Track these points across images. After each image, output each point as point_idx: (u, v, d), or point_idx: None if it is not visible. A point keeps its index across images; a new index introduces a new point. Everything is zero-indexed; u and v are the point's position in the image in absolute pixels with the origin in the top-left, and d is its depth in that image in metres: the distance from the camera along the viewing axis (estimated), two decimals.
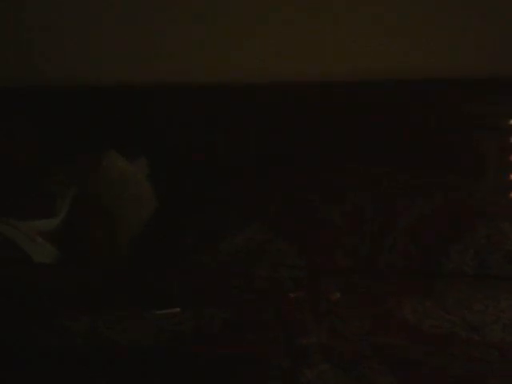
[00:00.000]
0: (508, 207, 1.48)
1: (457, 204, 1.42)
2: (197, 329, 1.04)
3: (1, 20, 1.45)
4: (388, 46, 1.50)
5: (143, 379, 0.92)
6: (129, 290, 1.19)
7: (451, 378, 0.95)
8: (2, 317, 1.04)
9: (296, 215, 1.39)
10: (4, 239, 1.25)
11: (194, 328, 1.04)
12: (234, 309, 1.11)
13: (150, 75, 1.47)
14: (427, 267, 1.33)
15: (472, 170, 1.53)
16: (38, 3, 1.43)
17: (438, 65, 1.51)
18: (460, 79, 1.52)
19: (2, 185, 1.34)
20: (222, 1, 1.46)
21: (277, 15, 1.46)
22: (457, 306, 1.15)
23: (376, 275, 1.31)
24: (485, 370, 0.96)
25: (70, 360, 0.95)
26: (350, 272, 1.31)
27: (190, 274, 1.26)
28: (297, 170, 1.49)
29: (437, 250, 1.33)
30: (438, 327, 1.08)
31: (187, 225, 1.37)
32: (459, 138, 1.53)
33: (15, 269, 1.22)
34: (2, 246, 1.25)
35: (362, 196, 1.43)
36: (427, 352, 1.00)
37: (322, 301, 1.18)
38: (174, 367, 0.95)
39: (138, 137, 1.46)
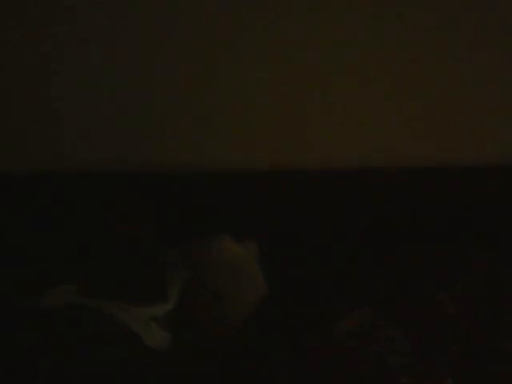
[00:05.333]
0: None
1: None
2: None
3: None
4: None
5: None
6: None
7: None
8: None
9: (410, 301, 1.37)
10: (118, 323, 1.27)
11: None
12: None
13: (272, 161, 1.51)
14: None
15: None
16: None
17: None
18: None
19: (117, 268, 1.37)
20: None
21: None
22: None
23: (491, 358, 1.27)
24: None
25: None
26: (461, 357, 1.27)
27: (304, 357, 1.26)
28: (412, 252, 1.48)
29: None
30: None
31: (298, 308, 1.37)
32: None
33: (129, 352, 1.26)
34: (116, 330, 1.27)
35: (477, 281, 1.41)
36: None
37: None
38: None
39: (250, 220, 1.48)
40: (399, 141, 1.50)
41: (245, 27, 1.41)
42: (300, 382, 1.22)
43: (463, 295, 1.39)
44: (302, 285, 1.42)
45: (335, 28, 1.41)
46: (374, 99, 1.47)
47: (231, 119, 1.48)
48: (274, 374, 1.24)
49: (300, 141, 1.50)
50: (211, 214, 1.48)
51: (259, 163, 1.50)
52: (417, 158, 1.50)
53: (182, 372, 1.24)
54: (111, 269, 1.38)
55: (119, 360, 1.24)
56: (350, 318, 1.34)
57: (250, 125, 1.48)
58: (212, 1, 1.39)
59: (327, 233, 1.52)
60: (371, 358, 1.28)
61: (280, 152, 1.51)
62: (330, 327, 1.33)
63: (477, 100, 1.47)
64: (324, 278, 1.43)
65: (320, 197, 1.51)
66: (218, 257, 1.35)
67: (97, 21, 1.40)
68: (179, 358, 1.26)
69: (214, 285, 1.34)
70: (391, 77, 1.45)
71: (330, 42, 1.42)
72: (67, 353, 1.26)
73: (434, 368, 1.25)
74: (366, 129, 1.49)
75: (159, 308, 1.30)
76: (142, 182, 1.49)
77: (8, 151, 1.49)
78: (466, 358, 1.28)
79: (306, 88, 1.46)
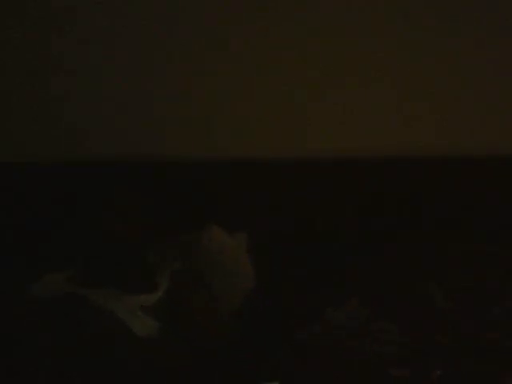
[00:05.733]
0: None
1: None
2: None
3: None
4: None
5: None
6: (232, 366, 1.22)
7: None
8: None
9: (397, 293, 1.37)
10: (105, 312, 1.27)
11: None
12: None
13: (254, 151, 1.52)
14: None
15: None
16: None
17: None
18: None
19: (105, 257, 1.37)
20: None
21: None
22: None
23: (479, 352, 1.26)
24: None
25: None
26: (452, 349, 1.28)
27: (293, 350, 1.26)
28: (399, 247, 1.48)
29: None
30: None
31: (286, 301, 1.37)
32: None
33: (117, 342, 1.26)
34: (102, 318, 1.27)
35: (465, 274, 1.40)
36: None
37: (422, 378, 1.19)
38: None
39: (241, 211, 1.49)
40: (399, 135, 1.51)
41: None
42: (287, 373, 1.22)
43: (452, 287, 1.39)
44: (290, 276, 1.42)
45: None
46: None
47: (220, 110, 1.50)
48: (260, 364, 1.24)
49: (296, 132, 1.52)
50: (201, 204, 1.49)
51: (250, 154, 1.51)
52: (416, 150, 1.51)
53: (171, 361, 1.25)
54: (101, 258, 1.38)
55: (108, 348, 1.25)
56: (339, 310, 1.35)
57: (247, 115, 1.50)
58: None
59: (318, 226, 1.53)
60: (361, 350, 1.28)
61: (271, 144, 1.52)
62: (317, 319, 1.33)
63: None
64: (313, 270, 1.43)
65: (310, 190, 1.52)
66: (208, 247, 1.36)
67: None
68: (168, 346, 1.27)
69: (203, 274, 1.34)
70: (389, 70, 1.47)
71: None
72: (58, 340, 1.26)
73: (424, 359, 1.25)
74: (366, 124, 1.51)
75: (148, 297, 1.31)
76: (129, 173, 1.50)
77: (7, 148, 1.51)
78: (455, 348, 1.28)
79: (297, 84, 1.48)
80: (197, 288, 1.34)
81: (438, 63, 1.47)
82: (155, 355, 1.25)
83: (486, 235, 1.49)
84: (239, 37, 1.44)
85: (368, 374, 1.22)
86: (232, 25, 1.43)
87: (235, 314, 1.34)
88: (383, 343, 1.29)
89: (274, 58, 1.46)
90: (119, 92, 1.47)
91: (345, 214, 1.52)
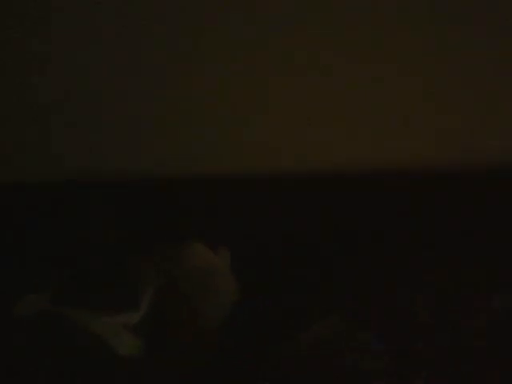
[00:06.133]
0: None
1: None
2: None
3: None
4: None
5: None
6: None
7: None
8: None
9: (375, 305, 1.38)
10: (89, 333, 1.27)
11: None
12: None
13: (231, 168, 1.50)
14: None
15: None
16: None
17: None
18: None
19: (90, 276, 1.37)
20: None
21: None
22: None
23: (465, 364, 1.26)
24: None
25: None
26: (432, 358, 1.28)
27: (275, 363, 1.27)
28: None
29: None
30: None
31: (268, 315, 1.37)
32: None
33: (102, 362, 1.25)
34: (86, 339, 1.26)
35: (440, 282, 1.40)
36: None
37: None
38: None
39: (222, 226, 1.48)
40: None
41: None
42: None
43: (435, 299, 1.39)
44: (274, 292, 1.42)
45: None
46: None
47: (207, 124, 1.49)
48: (246, 378, 1.24)
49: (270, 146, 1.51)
50: (185, 220, 1.48)
51: (235, 170, 1.50)
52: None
53: (156, 379, 1.25)
54: (84, 277, 1.37)
55: (91, 367, 1.25)
56: (323, 325, 1.34)
57: (228, 129, 1.49)
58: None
59: (301, 239, 1.52)
60: (345, 364, 1.28)
61: (257, 159, 1.51)
62: (302, 334, 1.33)
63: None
64: (297, 285, 1.43)
65: (293, 204, 1.51)
66: (191, 264, 1.36)
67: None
68: (152, 364, 1.26)
69: (186, 292, 1.34)
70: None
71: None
72: (40, 360, 1.26)
73: (407, 371, 1.25)
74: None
75: (131, 316, 1.30)
76: (115, 190, 1.49)
77: None
78: (439, 361, 1.28)
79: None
80: (180, 305, 1.33)
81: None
82: (140, 374, 1.24)
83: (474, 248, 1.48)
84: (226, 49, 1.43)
85: None
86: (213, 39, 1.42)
87: (220, 329, 1.33)
88: (370, 357, 1.29)
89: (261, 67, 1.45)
90: (96, 106, 1.46)
91: (327, 228, 1.51)
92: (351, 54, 1.42)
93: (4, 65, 1.43)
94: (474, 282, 1.40)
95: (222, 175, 1.49)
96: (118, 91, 1.44)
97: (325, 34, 1.41)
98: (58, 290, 1.35)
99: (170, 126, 1.48)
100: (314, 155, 1.49)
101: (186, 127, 1.48)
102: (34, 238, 1.48)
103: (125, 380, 1.25)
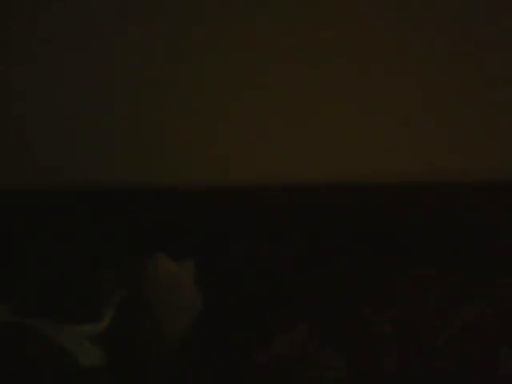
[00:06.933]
0: None
1: None
2: None
3: None
4: None
5: None
6: None
7: None
8: None
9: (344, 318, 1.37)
10: (51, 343, 1.25)
11: None
12: None
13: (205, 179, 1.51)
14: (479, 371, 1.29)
15: None
16: None
17: None
18: None
19: (52, 287, 1.36)
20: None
21: None
22: None
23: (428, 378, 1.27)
24: None
25: None
26: (401, 375, 1.28)
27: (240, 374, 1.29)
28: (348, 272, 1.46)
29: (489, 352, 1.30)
30: None
31: (234, 326, 1.37)
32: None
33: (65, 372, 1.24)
34: (48, 349, 1.25)
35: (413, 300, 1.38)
36: None
37: None
38: None
39: (188, 239, 1.48)
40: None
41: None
42: None
43: (398, 313, 1.39)
44: (237, 304, 1.41)
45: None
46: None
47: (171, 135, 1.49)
48: None
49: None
50: (147, 231, 1.48)
51: (201, 181, 1.51)
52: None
53: None
54: (46, 289, 1.36)
55: (53, 378, 1.23)
56: (284, 340, 1.34)
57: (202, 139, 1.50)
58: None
59: (264, 252, 1.51)
60: (309, 378, 1.28)
61: (226, 170, 1.52)
62: (264, 349, 1.32)
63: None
64: (260, 298, 1.42)
65: (259, 216, 1.51)
66: (154, 275, 1.35)
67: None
68: (114, 376, 1.26)
69: (149, 303, 1.33)
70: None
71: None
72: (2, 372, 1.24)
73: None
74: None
75: (94, 326, 1.29)
76: (77, 201, 1.48)
77: None
78: (404, 375, 1.29)
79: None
80: (143, 316, 1.32)
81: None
82: None
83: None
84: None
85: None
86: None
87: (182, 341, 1.33)
88: (332, 370, 1.29)
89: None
90: (67, 117, 1.46)
91: (289, 240, 1.51)
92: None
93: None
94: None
95: (190, 187, 1.50)
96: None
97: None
98: (20, 301, 1.33)
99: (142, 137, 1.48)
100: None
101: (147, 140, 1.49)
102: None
103: None
